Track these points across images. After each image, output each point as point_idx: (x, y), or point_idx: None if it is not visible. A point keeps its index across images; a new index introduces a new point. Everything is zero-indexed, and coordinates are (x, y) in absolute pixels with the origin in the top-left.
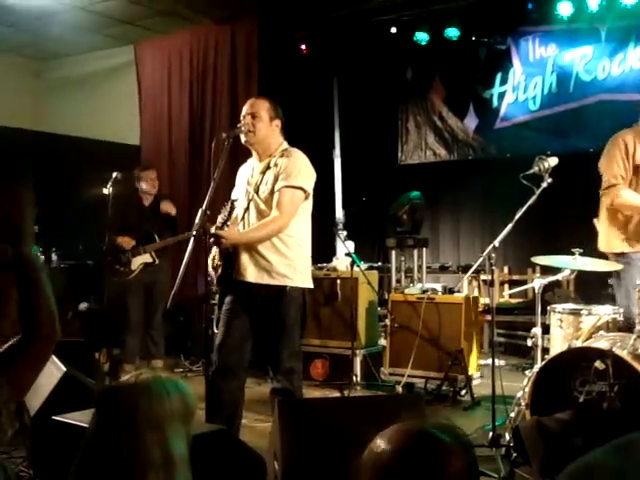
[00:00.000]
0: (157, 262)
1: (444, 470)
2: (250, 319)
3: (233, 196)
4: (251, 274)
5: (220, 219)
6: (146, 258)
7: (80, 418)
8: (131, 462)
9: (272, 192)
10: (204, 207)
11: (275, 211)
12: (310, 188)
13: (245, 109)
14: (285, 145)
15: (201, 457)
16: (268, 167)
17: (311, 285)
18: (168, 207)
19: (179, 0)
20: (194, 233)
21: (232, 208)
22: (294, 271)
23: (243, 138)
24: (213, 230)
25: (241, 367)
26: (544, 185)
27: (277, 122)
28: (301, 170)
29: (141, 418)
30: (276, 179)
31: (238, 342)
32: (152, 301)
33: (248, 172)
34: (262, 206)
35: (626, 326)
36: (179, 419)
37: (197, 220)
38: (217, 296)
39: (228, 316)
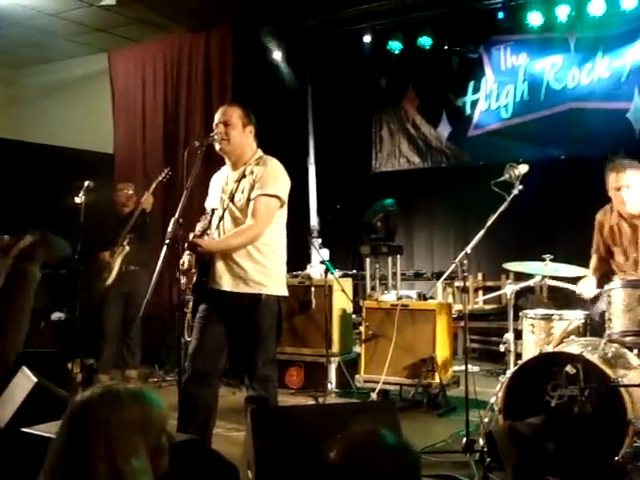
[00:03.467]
0: (128, 249)
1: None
2: (225, 327)
3: (207, 205)
4: (226, 282)
5: (199, 227)
6: (122, 252)
7: (50, 430)
8: (79, 474)
9: (248, 200)
10: (177, 216)
11: (250, 219)
12: (285, 196)
13: (217, 117)
14: (260, 153)
15: (173, 467)
16: (243, 175)
17: (286, 293)
18: (147, 201)
19: (153, 8)
20: (167, 241)
21: (212, 217)
22: (269, 279)
23: (217, 146)
24: (190, 238)
25: (215, 375)
26: (515, 192)
27: (250, 128)
28: (277, 179)
29: (90, 429)
30: (252, 187)
31: (212, 349)
32: (130, 310)
33: (222, 180)
34: (237, 214)
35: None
36: (136, 431)
37: (169, 229)
38: (191, 304)
39: (202, 324)
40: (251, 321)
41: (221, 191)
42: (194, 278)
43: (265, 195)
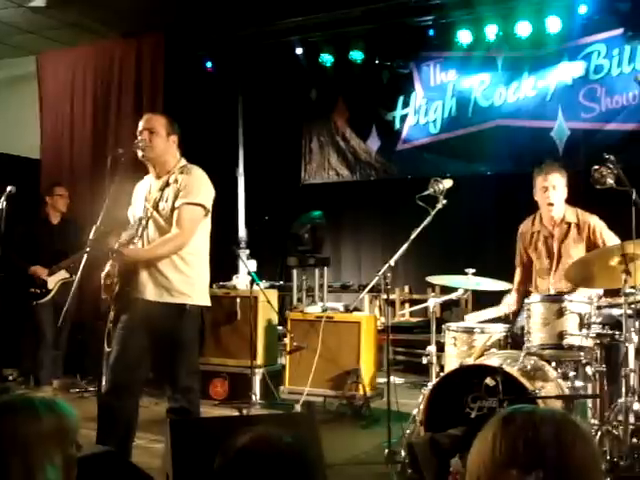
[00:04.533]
0: (73, 277)
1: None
2: (148, 337)
3: (129, 213)
4: (150, 292)
5: (126, 236)
6: (62, 275)
7: None
8: None
9: (172, 209)
10: (98, 223)
11: (175, 228)
12: (210, 205)
13: (141, 125)
14: (183, 162)
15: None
16: (167, 184)
17: (209, 303)
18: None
19: (85, 12)
20: (87, 249)
21: (139, 226)
22: (193, 289)
23: (140, 153)
24: (116, 247)
25: (135, 386)
26: (439, 206)
27: (174, 138)
28: (201, 187)
29: (4, 440)
30: (176, 196)
31: (133, 360)
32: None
33: (145, 189)
34: (162, 223)
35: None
36: (52, 442)
37: (90, 236)
38: (112, 313)
39: (123, 334)
40: (174, 332)
41: (144, 200)
42: (116, 287)
43: (190, 204)
